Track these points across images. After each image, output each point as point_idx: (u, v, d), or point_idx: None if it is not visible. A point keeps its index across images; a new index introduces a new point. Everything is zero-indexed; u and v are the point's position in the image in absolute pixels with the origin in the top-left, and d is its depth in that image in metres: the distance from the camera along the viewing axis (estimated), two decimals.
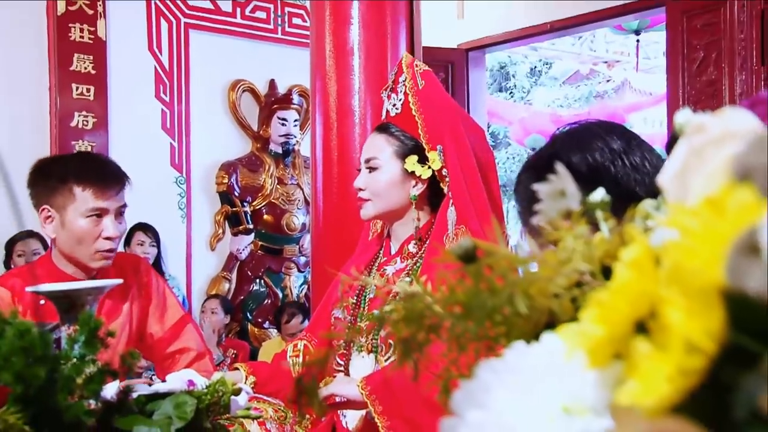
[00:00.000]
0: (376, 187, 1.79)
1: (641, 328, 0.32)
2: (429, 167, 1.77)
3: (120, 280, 1.46)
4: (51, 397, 1.06)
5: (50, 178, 1.96)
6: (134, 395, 1.16)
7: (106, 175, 1.98)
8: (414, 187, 1.80)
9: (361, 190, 1.82)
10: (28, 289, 1.33)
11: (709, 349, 0.28)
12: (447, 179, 1.78)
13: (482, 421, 0.33)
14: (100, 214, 1.94)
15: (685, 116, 0.40)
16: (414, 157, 1.78)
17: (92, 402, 1.10)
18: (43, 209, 1.95)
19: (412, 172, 1.78)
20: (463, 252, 0.42)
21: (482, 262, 0.41)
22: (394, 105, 1.82)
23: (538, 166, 1.21)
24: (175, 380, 1.24)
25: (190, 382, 1.23)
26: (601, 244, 0.40)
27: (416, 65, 1.84)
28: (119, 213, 2.01)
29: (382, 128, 1.84)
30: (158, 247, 4.65)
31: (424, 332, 0.41)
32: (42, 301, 1.88)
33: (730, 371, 0.28)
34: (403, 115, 1.80)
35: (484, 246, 0.41)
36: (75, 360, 1.10)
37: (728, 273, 0.28)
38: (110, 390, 1.14)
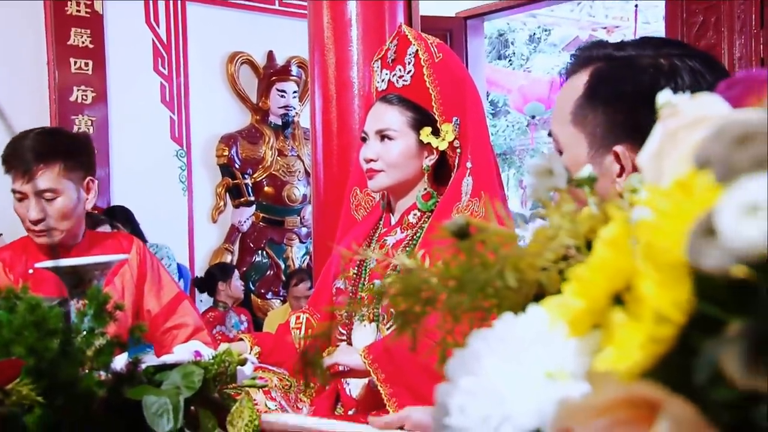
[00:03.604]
0: (390, 158, 1.79)
1: (618, 300, 0.35)
2: (443, 139, 1.78)
3: (126, 256, 1.49)
4: (63, 369, 1.09)
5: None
6: (143, 366, 1.19)
7: (21, 159, 1.96)
8: (427, 158, 1.81)
9: (372, 161, 1.80)
10: (38, 264, 1.36)
11: (678, 319, 0.31)
12: (458, 151, 1.80)
13: (473, 387, 0.36)
14: (22, 196, 1.97)
15: (666, 96, 0.42)
16: (428, 129, 1.78)
17: (102, 373, 1.14)
18: None
19: (427, 144, 1.79)
20: (457, 228, 0.44)
21: (475, 238, 0.44)
22: (400, 77, 1.81)
23: (637, 85, 1.08)
24: (183, 351, 1.27)
25: (197, 353, 1.26)
26: (586, 220, 0.42)
27: (427, 37, 1.85)
28: (42, 196, 1.98)
29: (390, 99, 1.82)
30: (128, 226, 4.50)
31: (420, 305, 0.44)
32: (30, 271, 1.93)
33: (698, 339, 0.31)
34: (413, 86, 1.79)
35: (476, 223, 0.44)
36: (85, 333, 1.13)
37: (688, 252, 0.30)
38: (119, 362, 1.17)
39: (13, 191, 1.97)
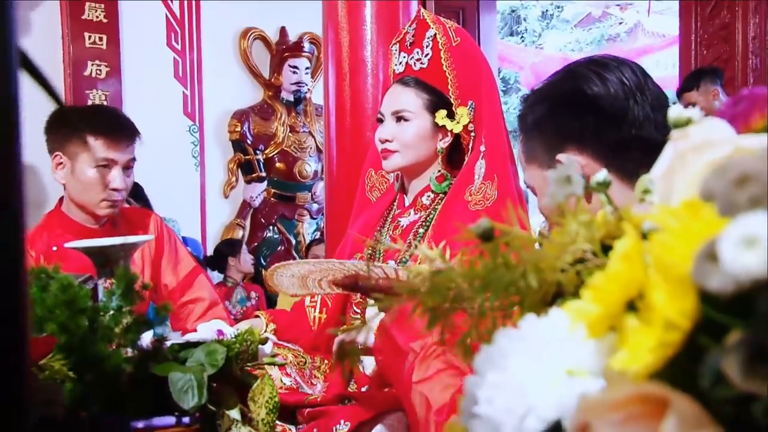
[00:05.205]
0: (405, 139, 1.82)
1: (632, 306, 0.38)
2: (458, 122, 1.82)
3: (151, 236, 1.54)
4: (92, 345, 1.14)
5: (65, 126, 2.05)
6: (168, 344, 1.24)
7: (118, 127, 2.07)
8: (441, 140, 1.85)
9: (387, 141, 1.84)
10: (68, 244, 1.40)
11: (685, 326, 0.35)
12: (473, 134, 1.84)
13: (499, 382, 0.40)
14: (108, 164, 2.03)
15: (677, 112, 0.46)
16: (443, 111, 1.82)
17: (130, 350, 1.18)
18: (56, 155, 2.05)
19: (442, 126, 1.82)
20: (482, 231, 0.48)
21: (499, 240, 0.47)
22: (418, 60, 1.84)
23: (555, 97, 1.20)
24: (206, 330, 1.31)
25: (220, 332, 1.31)
26: (601, 225, 0.46)
27: (445, 21, 1.88)
28: (127, 166, 2.09)
29: (407, 81, 1.85)
30: (140, 202, 4.57)
31: (449, 303, 0.48)
32: (54, 248, 1.98)
33: (704, 343, 0.35)
34: (429, 69, 1.82)
35: (500, 227, 0.48)
36: (113, 311, 1.18)
37: (694, 273, 0.34)
38: (145, 339, 1.22)
39: (103, 159, 2.03)
